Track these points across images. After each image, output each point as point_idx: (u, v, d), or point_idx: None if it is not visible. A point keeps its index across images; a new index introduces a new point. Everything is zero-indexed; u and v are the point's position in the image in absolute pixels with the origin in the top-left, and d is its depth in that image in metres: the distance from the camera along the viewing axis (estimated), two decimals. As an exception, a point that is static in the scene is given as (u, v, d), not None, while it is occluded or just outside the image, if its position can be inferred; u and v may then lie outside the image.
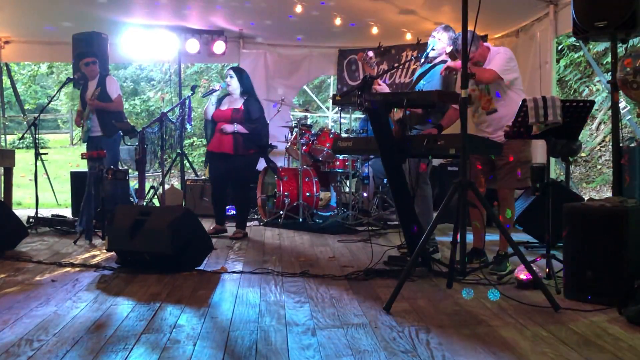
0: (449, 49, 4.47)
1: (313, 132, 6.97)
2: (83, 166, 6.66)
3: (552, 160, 5.49)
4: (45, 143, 16.83)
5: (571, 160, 4.26)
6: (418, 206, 4.25)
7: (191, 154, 11.73)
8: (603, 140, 10.57)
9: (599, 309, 3.12)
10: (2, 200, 6.45)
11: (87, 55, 6.27)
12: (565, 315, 3.06)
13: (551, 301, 3.12)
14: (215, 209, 5.91)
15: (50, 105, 9.70)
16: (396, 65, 7.66)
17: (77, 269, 4.31)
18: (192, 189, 7.38)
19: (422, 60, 4.68)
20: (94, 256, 4.78)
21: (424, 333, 2.78)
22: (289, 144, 7.20)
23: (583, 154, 10.53)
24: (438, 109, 4.41)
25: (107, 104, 6.05)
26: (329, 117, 10.73)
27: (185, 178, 7.81)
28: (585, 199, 5.10)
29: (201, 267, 4.27)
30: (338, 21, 7.10)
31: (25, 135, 12.94)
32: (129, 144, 7.11)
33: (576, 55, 10.80)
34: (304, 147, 6.81)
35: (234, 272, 4.15)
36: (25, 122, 11.00)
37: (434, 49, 4.52)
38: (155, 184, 7.55)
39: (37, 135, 6.37)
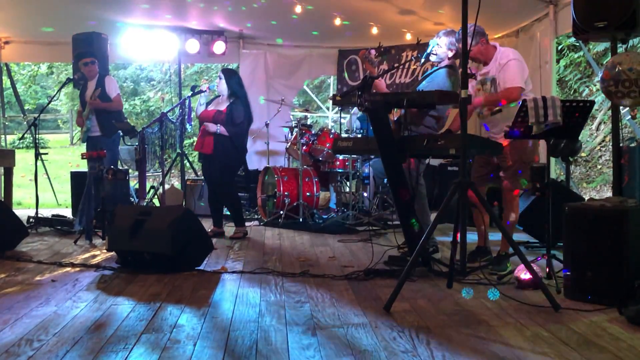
0: (450, 54, 4.45)
1: (313, 132, 6.97)
2: (83, 166, 6.67)
3: (552, 160, 5.48)
4: (45, 143, 16.82)
5: (571, 160, 4.25)
6: (416, 204, 4.24)
7: (191, 153, 11.74)
8: (603, 140, 10.57)
9: (599, 309, 3.12)
10: (2, 200, 6.45)
11: (86, 55, 6.28)
12: (565, 315, 3.06)
13: (551, 301, 3.12)
14: (212, 210, 5.92)
15: (50, 105, 9.71)
16: (396, 65, 7.66)
17: (77, 268, 4.31)
18: (192, 189, 7.39)
19: (422, 60, 4.67)
20: (94, 256, 4.78)
21: (424, 333, 2.78)
22: (289, 144, 7.20)
23: (583, 154, 10.53)
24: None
25: (107, 104, 6.06)
26: (329, 117, 10.73)
27: (185, 178, 7.81)
28: (585, 199, 5.11)
29: (201, 267, 4.27)
30: (338, 21, 7.10)
31: (25, 135, 12.93)
32: (129, 144, 7.11)
33: (576, 55, 10.80)
34: (304, 147, 6.81)
35: (234, 272, 4.15)
36: (25, 122, 11.00)
37: (435, 54, 4.48)
38: (155, 184, 7.55)
39: (37, 135, 6.37)
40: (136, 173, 7.01)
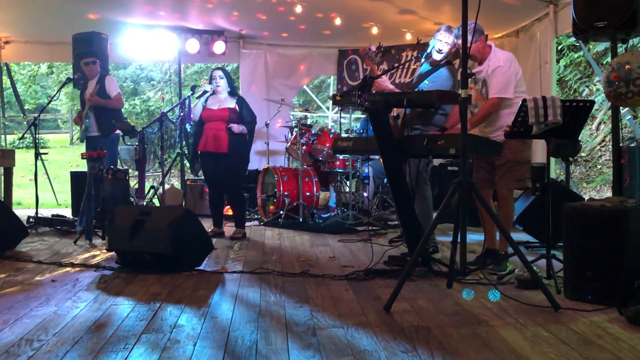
0: (453, 50, 4.43)
1: (313, 132, 6.97)
2: (83, 166, 6.66)
3: (552, 160, 5.48)
4: (45, 143, 16.83)
5: (571, 160, 4.25)
6: (418, 206, 4.24)
7: (191, 153, 11.83)
8: (603, 140, 10.57)
9: (599, 309, 3.12)
10: (2, 200, 6.44)
11: (87, 55, 6.27)
12: (565, 315, 3.06)
13: (551, 301, 3.12)
14: (213, 211, 5.92)
15: (50, 105, 9.69)
16: (396, 65, 7.66)
17: (77, 269, 4.31)
18: (192, 189, 7.39)
19: (422, 60, 4.66)
20: (94, 256, 4.78)
21: (423, 333, 2.78)
22: (289, 143, 7.20)
23: (583, 154, 10.53)
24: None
25: (107, 100, 6.05)
26: (329, 117, 10.73)
27: (185, 178, 7.81)
28: (585, 199, 5.10)
29: (201, 267, 4.27)
30: (338, 21, 7.10)
31: (25, 135, 12.93)
32: (128, 143, 7.11)
33: (576, 55, 10.80)
34: (304, 147, 6.81)
35: (234, 272, 4.15)
36: (25, 122, 11.00)
37: (440, 52, 4.45)
38: (155, 184, 7.55)
39: (37, 135, 6.38)
40: (136, 173, 7.01)
